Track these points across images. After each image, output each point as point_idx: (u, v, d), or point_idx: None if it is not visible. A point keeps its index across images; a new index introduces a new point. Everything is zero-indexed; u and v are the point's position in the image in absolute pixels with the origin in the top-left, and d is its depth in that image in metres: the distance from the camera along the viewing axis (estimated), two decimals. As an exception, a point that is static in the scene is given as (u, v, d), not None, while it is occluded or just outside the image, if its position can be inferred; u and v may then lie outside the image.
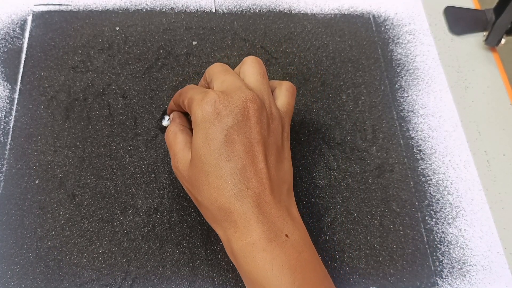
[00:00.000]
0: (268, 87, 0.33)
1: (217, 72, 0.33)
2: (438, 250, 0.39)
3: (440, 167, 0.42)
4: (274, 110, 0.32)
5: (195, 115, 0.31)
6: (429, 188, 0.41)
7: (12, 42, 0.45)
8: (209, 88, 0.34)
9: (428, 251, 0.39)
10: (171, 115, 0.37)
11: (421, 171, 0.42)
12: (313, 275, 0.29)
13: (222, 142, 0.30)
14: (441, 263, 0.38)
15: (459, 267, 0.38)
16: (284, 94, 0.34)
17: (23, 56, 0.45)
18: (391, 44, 0.49)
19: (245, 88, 0.31)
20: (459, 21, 0.51)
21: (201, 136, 0.30)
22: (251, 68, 0.33)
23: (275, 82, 0.35)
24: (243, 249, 0.29)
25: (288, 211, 0.31)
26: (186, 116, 0.37)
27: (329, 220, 0.39)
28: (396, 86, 0.47)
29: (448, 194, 0.41)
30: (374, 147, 0.43)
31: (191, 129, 0.35)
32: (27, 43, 0.45)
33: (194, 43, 0.47)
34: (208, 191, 0.30)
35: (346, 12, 0.51)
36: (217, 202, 0.30)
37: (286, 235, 0.29)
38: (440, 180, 0.42)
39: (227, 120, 0.30)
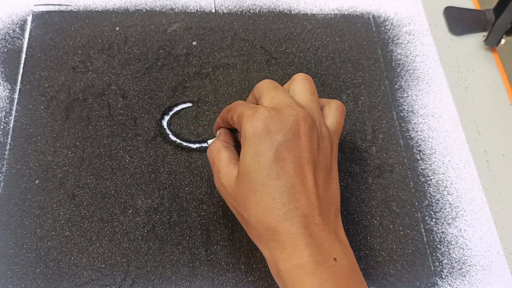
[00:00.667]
0: (318, 106, 0.33)
1: (266, 88, 0.33)
2: (438, 250, 0.39)
3: (440, 167, 0.42)
4: (324, 129, 0.32)
5: (245, 130, 0.30)
6: (429, 188, 0.41)
7: (12, 42, 0.45)
8: (257, 104, 0.33)
9: (428, 251, 0.39)
10: (218, 132, 0.36)
11: (421, 171, 0.42)
12: None
13: (272, 159, 0.29)
14: (441, 263, 0.38)
15: (459, 267, 0.38)
16: (333, 113, 0.34)
17: (23, 56, 0.45)
18: (391, 44, 0.49)
19: (296, 105, 0.31)
20: (459, 22, 0.51)
21: (250, 152, 0.30)
22: (301, 86, 0.33)
23: (324, 101, 0.35)
24: (290, 271, 0.28)
25: (336, 234, 0.30)
26: (233, 134, 0.36)
27: (329, 220, 0.39)
28: (396, 86, 0.47)
29: (448, 194, 0.41)
30: (374, 147, 0.43)
31: (235, 147, 0.34)
32: (27, 43, 0.45)
33: (194, 43, 0.47)
34: (256, 209, 0.29)
35: (346, 13, 0.51)
36: (264, 221, 0.29)
37: (335, 259, 0.29)
38: (440, 180, 0.42)
39: (277, 137, 0.29)
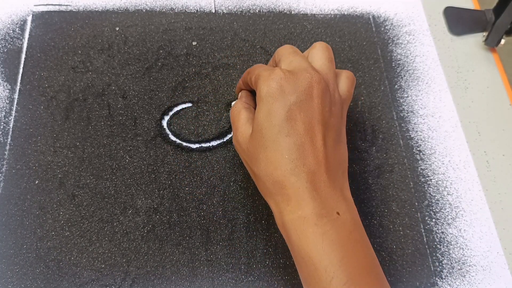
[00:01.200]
0: (334, 73, 0.34)
1: (286, 53, 0.34)
2: (437, 251, 0.39)
3: (439, 168, 0.42)
4: (336, 95, 0.33)
5: (260, 90, 0.32)
6: (429, 188, 0.41)
7: (12, 42, 0.45)
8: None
9: (428, 251, 0.39)
10: (239, 94, 0.38)
11: (421, 171, 0.42)
12: (361, 256, 0.30)
13: (283, 118, 0.30)
14: (440, 264, 0.38)
15: (459, 267, 0.38)
16: (344, 82, 0.35)
17: (23, 56, 0.45)
18: (390, 44, 0.49)
19: (312, 69, 0.32)
20: (458, 22, 0.51)
21: (264, 111, 0.31)
22: (320, 53, 0.34)
23: (337, 71, 0.36)
24: (294, 222, 0.30)
25: (341, 192, 0.31)
26: (253, 95, 0.38)
27: (328, 220, 0.39)
28: (396, 86, 0.47)
29: (448, 194, 0.41)
30: (374, 148, 0.43)
31: (255, 108, 0.36)
32: (27, 43, 0.45)
33: (194, 43, 0.47)
34: (265, 164, 0.31)
35: (346, 13, 0.51)
36: (272, 176, 0.31)
37: (338, 213, 0.30)
38: (439, 180, 0.42)
39: (290, 98, 0.31)
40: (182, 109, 0.43)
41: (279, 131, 0.30)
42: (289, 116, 0.31)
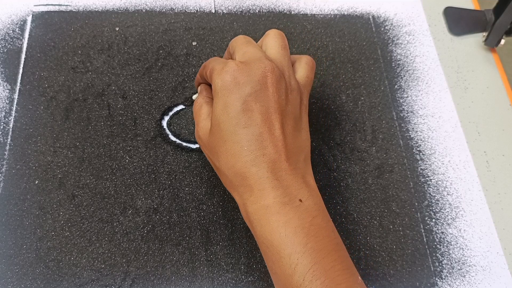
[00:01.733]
0: (288, 60, 0.34)
1: (240, 44, 0.34)
2: (437, 251, 0.39)
3: (439, 168, 0.42)
4: (293, 82, 0.33)
5: (215, 84, 0.32)
6: (429, 188, 0.41)
7: (11, 43, 0.45)
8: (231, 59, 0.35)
9: (428, 251, 0.39)
10: (199, 87, 0.38)
11: (421, 171, 0.42)
12: (326, 240, 0.30)
13: (240, 110, 0.31)
14: (440, 264, 0.38)
15: (459, 267, 0.38)
16: (303, 67, 0.35)
17: (23, 56, 0.45)
18: (390, 44, 0.49)
19: (265, 59, 0.32)
20: (458, 22, 0.51)
21: (220, 104, 0.31)
22: (273, 41, 0.34)
23: (295, 56, 0.36)
24: (257, 211, 0.30)
25: (303, 179, 0.32)
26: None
27: (328, 220, 0.39)
28: (396, 86, 0.47)
29: (448, 194, 0.41)
30: (374, 148, 0.43)
31: None
32: (27, 43, 0.45)
33: (194, 43, 0.47)
34: (226, 157, 0.31)
35: (345, 13, 0.51)
36: (234, 168, 0.31)
37: (300, 200, 0.30)
38: (439, 180, 0.42)
39: (245, 89, 0.31)
40: (182, 109, 0.43)
41: (237, 123, 0.30)
42: (245, 108, 0.31)
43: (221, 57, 0.38)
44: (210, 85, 0.37)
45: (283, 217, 0.29)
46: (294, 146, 0.32)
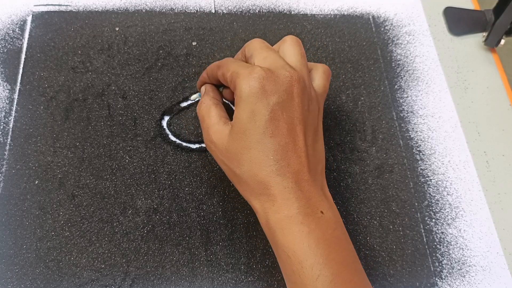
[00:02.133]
0: (307, 68, 0.34)
1: (258, 48, 0.34)
2: (437, 251, 0.39)
3: (439, 168, 0.42)
4: (312, 91, 0.33)
5: (240, 89, 0.31)
6: (429, 188, 0.41)
7: (11, 43, 0.45)
8: (247, 62, 0.34)
9: (428, 251, 0.39)
10: (203, 87, 0.37)
11: (421, 171, 0.42)
12: (345, 253, 0.30)
13: (267, 119, 0.30)
14: (440, 264, 0.38)
15: (459, 267, 0.38)
16: (320, 76, 0.35)
17: (23, 56, 0.45)
18: (390, 44, 0.49)
19: (289, 67, 0.32)
20: (458, 22, 0.51)
21: (246, 111, 0.31)
22: (292, 48, 0.34)
23: (311, 64, 0.36)
24: (280, 221, 0.30)
25: (322, 191, 0.32)
26: (218, 89, 0.37)
27: (328, 220, 0.39)
28: (396, 86, 0.47)
29: (448, 194, 0.41)
30: (374, 148, 0.43)
31: (223, 104, 0.35)
32: (27, 43, 0.45)
33: (194, 43, 0.47)
34: (249, 165, 0.31)
35: (345, 13, 0.51)
36: (257, 176, 0.31)
37: (322, 212, 0.30)
38: (439, 180, 0.42)
39: (272, 98, 0.30)
40: (182, 109, 0.43)
41: (264, 132, 0.30)
42: (272, 117, 0.30)
43: (224, 57, 0.37)
44: (217, 86, 0.37)
45: (307, 227, 0.29)
46: (314, 157, 0.32)
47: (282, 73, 0.31)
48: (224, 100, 0.37)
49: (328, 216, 0.31)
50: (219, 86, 0.37)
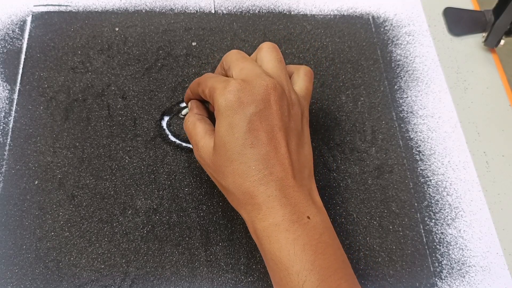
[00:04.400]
0: (286, 73, 0.34)
1: (235, 59, 0.34)
2: (437, 251, 0.39)
3: (439, 168, 0.42)
4: (293, 96, 0.33)
5: (218, 104, 0.31)
6: (428, 189, 0.41)
7: (11, 43, 0.45)
8: (226, 75, 0.34)
9: (428, 252, 0.39)
10: (189, 104, 0.38)
11: (420, 172, 0.42)
12: (333, 258, 0.30)
13: (245, 130, 0.30)
14: (440, 264, 0.38)
15: (458, 268, 0.38)
16: (302, 79, 0.35)
17: (23, 56, 0.45)
18: (390, 45, 0.49)
19: (265, 76, 0.32)
20: (458, 22, 0.51)
21: (224, 125, 0.31)
22: (268, 54, 0.34)
23: (292, 67, 0.36)
24: (266, 229, 0.30)
25: (310, 195, 0.32)
26: (204, 104, 0.37)
27: (328, 221, 0.39)
28: (396, 87, 0.47)
29: (447, 195, 0.41)
30: (374, 148, 0.43)
31: (209, 118, 0.36)
32: (27, 43, 0.45)
33: (194, 44, 0.47)
34: (233, 177, 0.31)
35: (345, 13, 0.51)
36: (241, 187, 0.31)
37: (308, 217, 0.30)
38: (439, 181, 0.42)
39: (249, 108, 0.30)
40: (182, 109, 0.43)
41: (243, 144, 0.30)
42: (250, 127, 0.30)
43: (213, 69, 0.38)
44: (201, 101, 0.37)
45: (292, 234, 0.29)
46: (299, 163, 0.32)
47: (258, 82, 0.31)
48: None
49: (315, 221, 0.30)
50: (205, 101, 0.37)
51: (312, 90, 0.36)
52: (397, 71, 0.47)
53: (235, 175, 0.31)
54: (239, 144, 0.30)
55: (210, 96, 0.33)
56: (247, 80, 0.31)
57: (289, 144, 0.31)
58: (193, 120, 0.35)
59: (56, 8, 0.48)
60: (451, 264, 0.38)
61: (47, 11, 0.47)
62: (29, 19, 0.47)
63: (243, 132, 0.30)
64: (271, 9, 0.50)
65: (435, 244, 0.39)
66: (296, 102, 0.33)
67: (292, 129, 0.32)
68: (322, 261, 0.29)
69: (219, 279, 0.36)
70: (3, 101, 0.42)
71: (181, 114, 0.42)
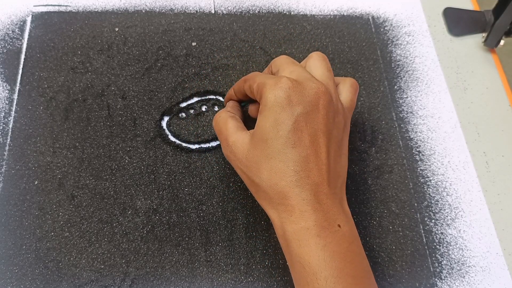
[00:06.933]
0: (334, 82, 0.34)
1: (284, 63, 0.34)
2: (437, 251, 0.39)
3: (439, 168, 0.43)
4: (339, 105, 0.33)
5: (266, 98, 0.31)
6: (428, 189, 0.41)
7: (11, 43, 0.45)
8: None
9: (427, 252, 0.39)
10: (227, 104, 0.38)
11: (420, 172, 0.42)
12: (360, 267, 0.30)
13: (290, 129, 0.30)
14: (440, 264, 0.38)
15: (458, 268, 0.38)
16: (348, 90, 0.35)
17: (22, 57, 0.45)
18: (390, 45, 0.49)
19: (316, 80, 0.32)
20: (458, 22, 0.51)
21: (270, 120, 0.31)
22: (318, 62, 0.34)
23: (339, 78, 0.36)
24: (297, 232, 0.30)
25: (341, 204, 0.32)
26: (240, 106, 0.38)
27: (328, 221, 0.39)
28: (395, 87, 0.47)
29: (447, 195, 0.41)
30: (373, 148, 0.43)
31: (241, 118, 0.36)
32: (27, 44, 0.45)
33: (194, 44, 0.47)
34: (269, 174, 0.31)
35: (345, 13, 0.51)
36: (276, 186, 0.31)
37: (339, 225, 0.30)
38: (439, 181, 0.42)
39: (297, 108, 0.30)
40: (182, 109, 0.43)
41: (286, 142, 0.30)
42: (296, 127, 0.30)
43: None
44: (239, 102, 0.38)
45: (323, 240, 0.29)
46: (335, 171, 0.32)
47: (308, 84, 0.31)
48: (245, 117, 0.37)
49: (344, 230, 0.30)
50: (243, 103, 0.38)
51: (356, 102, 0.36)
52: (397, 71, 0.48)
53: (271, 172, 0.31)
54: (281, 142, 0.30)
55: (257, 92, 0.33)
56: (299, 81, 0.31)
57: (329, 151, 0.31)
58: (224, 117, 0.35)
59: (56, 8, 0.48)
60: (451, 264, 0.38)
61: (47, 11, 0.47)
62: (29, 19, 0.47)
63: (287, 131, 0.30)
64: (271, 9, 0.50)
65: (435, 244, 0.39)
66: (341, 111, 0.33)
67: (334, 136, 0.32)
68: (350, 270, 0.29)
69: (219, 279, 0.36)
70: (3, 101, 0.42)
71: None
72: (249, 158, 0.32)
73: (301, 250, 0.30)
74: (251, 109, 0.37)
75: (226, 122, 0.34)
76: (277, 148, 0.30)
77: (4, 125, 0.41)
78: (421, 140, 0.44)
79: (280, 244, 0.32)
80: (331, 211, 0.30)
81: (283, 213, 0.31)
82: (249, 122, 0.36)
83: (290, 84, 0.31)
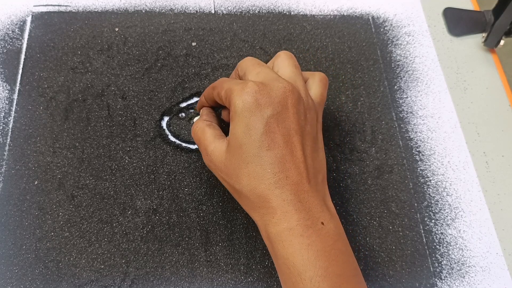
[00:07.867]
0: (302, 78, 0.34)
1: (250, 65, 0.34)
2: (437, 251, 0.39)
3: (439, 168, 0.43)
4: (309, 100, 0.33)
5: (235, 105, 0.31)
6: (428, 189, 0.41)
7: (11, 43, 0.45)
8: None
9: (427, 252, 0.39)
10: (201, 111, 0.38)
11: (420, 172, 0.42)
12: (346, 265, 0.30)
13: (262, 132, 0.30)
14: (440, 264, 0.38)
15: (458, 268, 0.38)
16: (317, 85, 0.35)
17: (22, 57, 0.45)
18: (390, 45, 0.49)
19: (282, 79, 0.32)
20: (458, 23, 0.51)
21: (241, 126, 0.31)
22: (285, 61, 0.34)
23: (308, 73, 0.36)
24: (280, 233, 0.30)
25: (324, 201, 0.32)
26: (214, 112, 0.38)
27: (328, 221, 0.39)
28: (395, 87, 0.47)
29: (447, 195, 0.41)
30: (373, 148, 0.43)
31: (218, 125, 0.36)
32: (26, 44, 0.45)
33: (194, 44, 0.47)
34: (248, 179, 0.31)
35: (345, 13, 0.51)
36: (256, 190, 0.30)
37: (322, 223, 0.30)
38: (439, 181, 0.42)
39: (267, 110, 0.30)
40: (182, 109, 0.43)
41: (260, 146, 0.30)
42: (267, 129, 0.30)
43: (227, 76, 0.38)
44: (212, 108, 0.38)
45: (306, 239, 0.29)
46: (313, 167, 0.32)
47: (275, 85, 0.31)
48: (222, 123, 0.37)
49: (329, 227, 0.30)
50: (217, 109, 0.38)
51: (326, 96, 0.36)
52: (397, 71, 0.48)
53: (250, 177, 0.31)
54: (255, 146, 0.30)
55: (226, 98, 0.32)
56: (265, 83, 0.31)
57: (305, 149, 0.31)
58: (201, 126, 0.35)
59: (56, 8, 0.48)
60: (451, 264, 0.38)
61: (47, 11, 0.47)
62: (29, 19, 0.47)
63: (260, 134, 0.30)
64: (271, 9, 0.50)
65: (435, 244, 0.39)
66: (312, 107, 0.33)
67: (308, 133, 0.32)
68: (335, 268, 0.29)
69: (219, 279, 0.36)
70: (3, 101, 0.42)
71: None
72: (228, 166, 0.32)
73: (285, 251, 0.30)
74: (224, 114, 0.37)
75: (204, 131, 0.34)
76: (252, 153, 0.30)
77: (4, 125, 0.41)
78: (421, 140, 0.44)
79: (267, 246, 0.32)
80: (314, 209, 0.30)
81: (265, 216, 0.31)
82: (226, 126, 0.36)
83: (256, 88, 0.31)
